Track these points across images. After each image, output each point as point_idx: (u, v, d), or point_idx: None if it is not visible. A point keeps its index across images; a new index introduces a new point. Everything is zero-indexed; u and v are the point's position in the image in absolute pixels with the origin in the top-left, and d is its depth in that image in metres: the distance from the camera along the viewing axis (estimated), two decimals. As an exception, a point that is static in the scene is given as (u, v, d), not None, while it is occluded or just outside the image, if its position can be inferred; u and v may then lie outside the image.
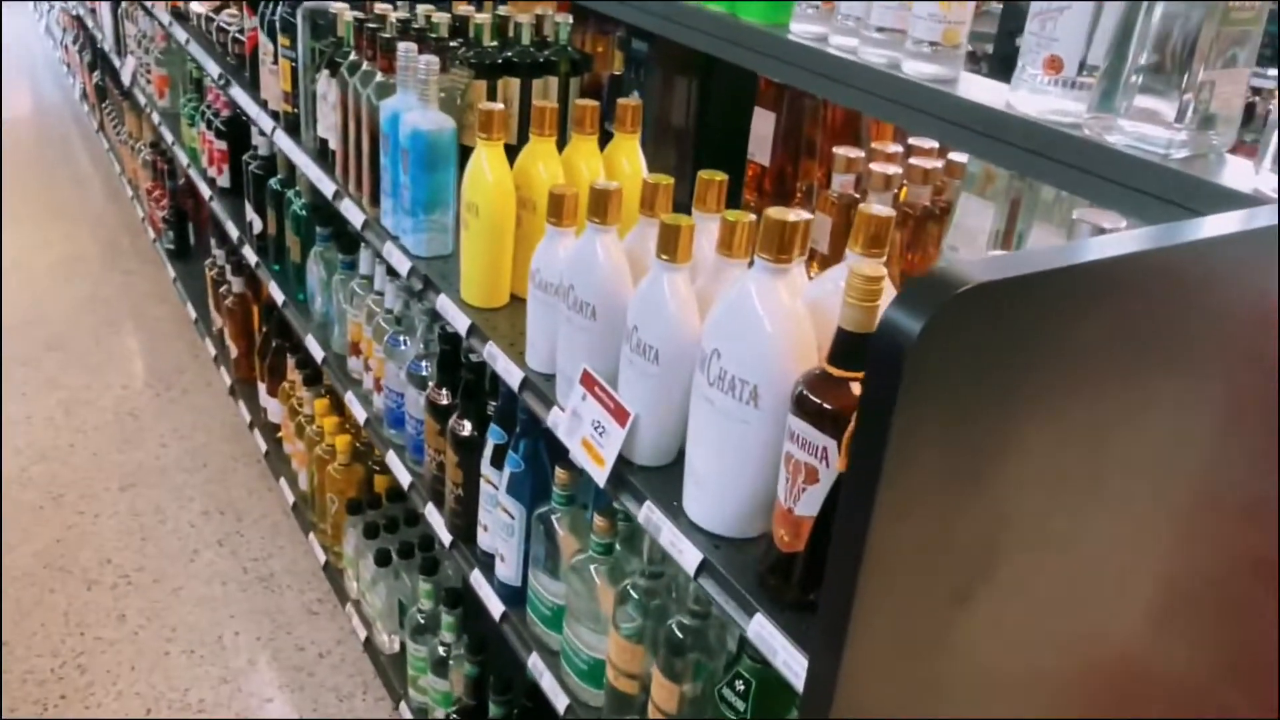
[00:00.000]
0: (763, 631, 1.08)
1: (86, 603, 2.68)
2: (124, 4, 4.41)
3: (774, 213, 1.07)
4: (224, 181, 3.26)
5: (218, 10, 3.11)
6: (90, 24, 5.36)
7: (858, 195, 1.70)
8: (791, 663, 1.04)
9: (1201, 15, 1.04)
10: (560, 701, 1.61)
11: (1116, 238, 0.79)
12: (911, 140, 1.71)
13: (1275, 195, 0.98)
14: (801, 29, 1.46)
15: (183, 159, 3.69)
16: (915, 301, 0.64)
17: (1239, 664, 1.21)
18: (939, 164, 1.60)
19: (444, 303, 1.75)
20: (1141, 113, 1.10)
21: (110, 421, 3.43)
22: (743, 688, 1.26)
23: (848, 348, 0.99)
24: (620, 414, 1.30)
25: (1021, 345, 0.73)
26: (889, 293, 0.97)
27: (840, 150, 1.59)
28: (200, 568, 2.84)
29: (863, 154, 1.62)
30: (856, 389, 0.99)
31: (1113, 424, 0.84)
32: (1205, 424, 0.94)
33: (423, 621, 2.17)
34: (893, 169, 1.50)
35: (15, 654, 2.50)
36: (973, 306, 0.66)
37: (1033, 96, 1.19)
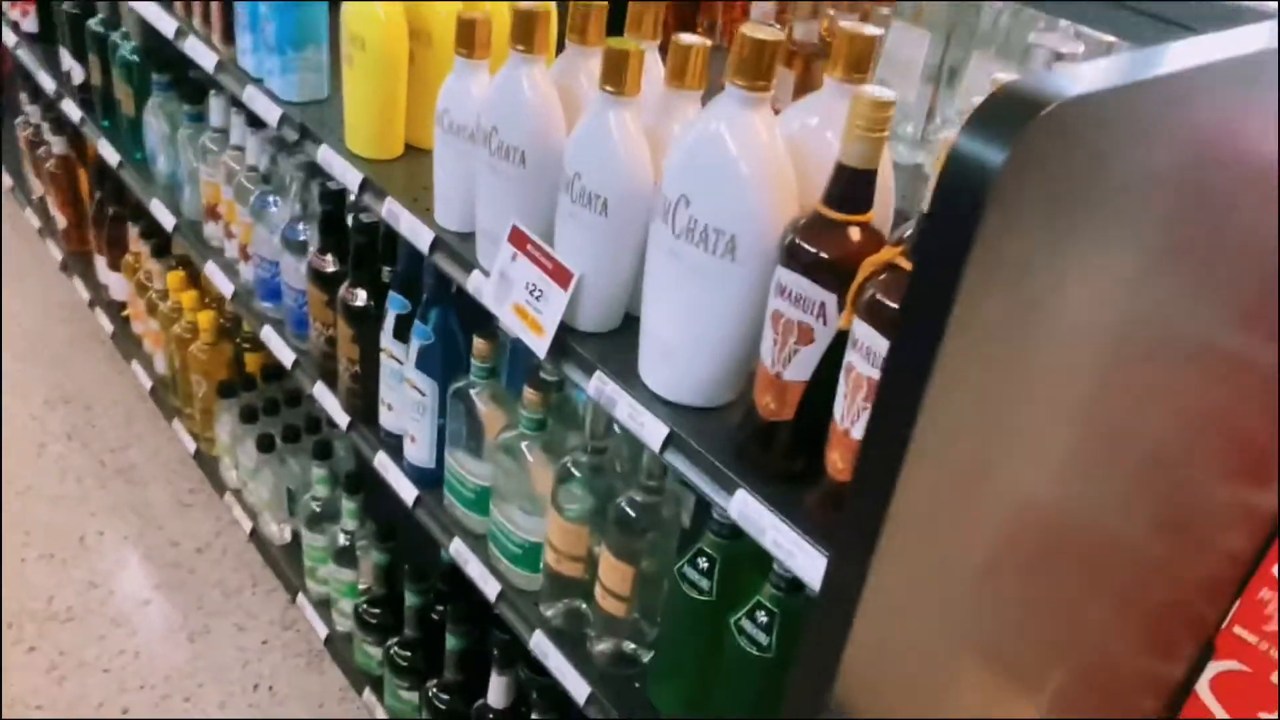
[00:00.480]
0: (746, 509, 0.98)
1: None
2: None
3: (749, 30, 0.93)
4: (30, 25, 2.89)
5: None
6: None
7: (774, 24, 1.59)
8: (782, 540, 0.96)
9: None
10: (490, 588, 1.52)
11: (1196, 44, 0.68)
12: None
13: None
14: None
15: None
16: (989, 130, 0.54)
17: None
18: (867, -9, 1.51)
19: (326, 154, 1.57)
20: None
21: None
22: (706, 565, 1.19)
23: (850, 187, 0.87)
24: (561, 274, 1.16)
25: (1096, 172, 0.63)
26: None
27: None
28: (49, 463, 2.62)
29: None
30: (857, 234, 0.88)
31: (1157, 264, 0.77)
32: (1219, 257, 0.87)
33: (318, 510, 2.04)
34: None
35: None
36: (1059, 128, 0.56)
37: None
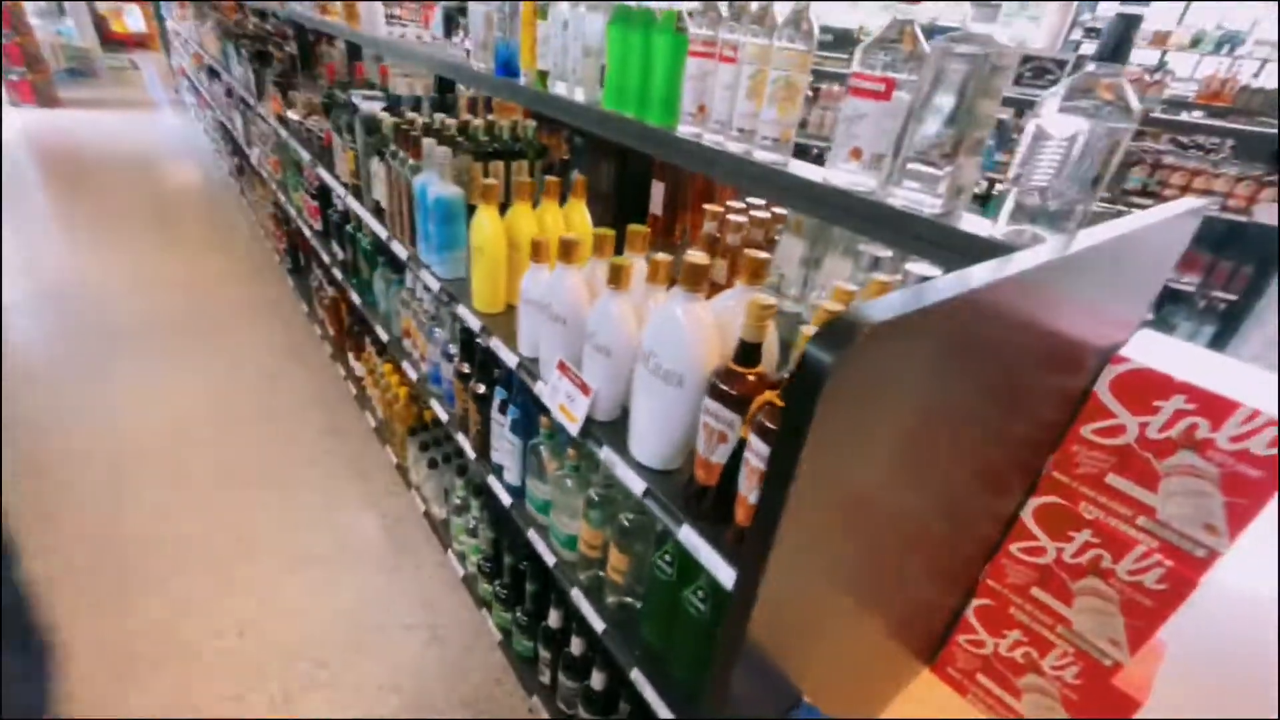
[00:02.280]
0: (691, 538, 0.90)
1: (245, 499, 2.34)
2: (249, 114, 3.85)
3: (691, 257, 0.86)
4: (318, 226, 2.87)
5: (306, 117, 2.67)
6: (230, 128, 4.71)
7: (719, 235, 1.53)
8: (711, 559, 0.87)
9: (962, 118, 0.87)
10: (550, 559, 1.42)
11: (948, 281, 0.60)
12: (748, 199, 1.55)
13: (1007, 243, 0.85)
14: (685, 129, 1.23)
15: (292, 212, 3.24)
16: (828, 342, 0.51)
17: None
18: (768, 215, 1.45)
19: (463, 309, 1.50)
20: (912, 185, 0.94)
21: (257, 379, 3.02)
22: (669, 559, 1.09)
23: (746, 352, 0.80)
24: (585, 389, 1.08)
25: (887, 358, 0.57)
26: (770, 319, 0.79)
27: (708, 207, 1.41)
28: (320, 470, 2.53)
29: (722, 209, 1.44)
30: (752, 380, 0.80)
31: (922, 408, 0.69)
32: (956, 388, 0.79)
33: (459, 503, 1.95)
34: (740, 219, 1.33)
35: (206, 531, 2.17)
36: (873, 340, 0.52)
37: (842, 173, 1.00)
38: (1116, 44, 0.78)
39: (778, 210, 1.55)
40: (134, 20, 10.84)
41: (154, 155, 6.12)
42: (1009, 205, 0.89)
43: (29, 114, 6.97)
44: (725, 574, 0.83)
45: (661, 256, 0.98)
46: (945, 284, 0.60)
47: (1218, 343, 3.88)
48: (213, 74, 4.89)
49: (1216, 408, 0.93)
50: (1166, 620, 1.10)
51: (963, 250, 0.87)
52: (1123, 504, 1.08)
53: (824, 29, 5.48)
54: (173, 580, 1.98)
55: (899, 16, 0.94)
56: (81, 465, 2.39)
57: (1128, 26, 0.77)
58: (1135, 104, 0.79)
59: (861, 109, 0.97)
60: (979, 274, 0.66)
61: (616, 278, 0.97)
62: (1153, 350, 1.07)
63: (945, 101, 0.89)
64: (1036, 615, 1.23)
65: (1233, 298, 3.80)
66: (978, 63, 0.86)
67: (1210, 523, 1.01)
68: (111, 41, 10.61)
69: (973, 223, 0.92)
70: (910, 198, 0.94)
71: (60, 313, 3.38)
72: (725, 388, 0.80)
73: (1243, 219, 3.57)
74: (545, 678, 1.61)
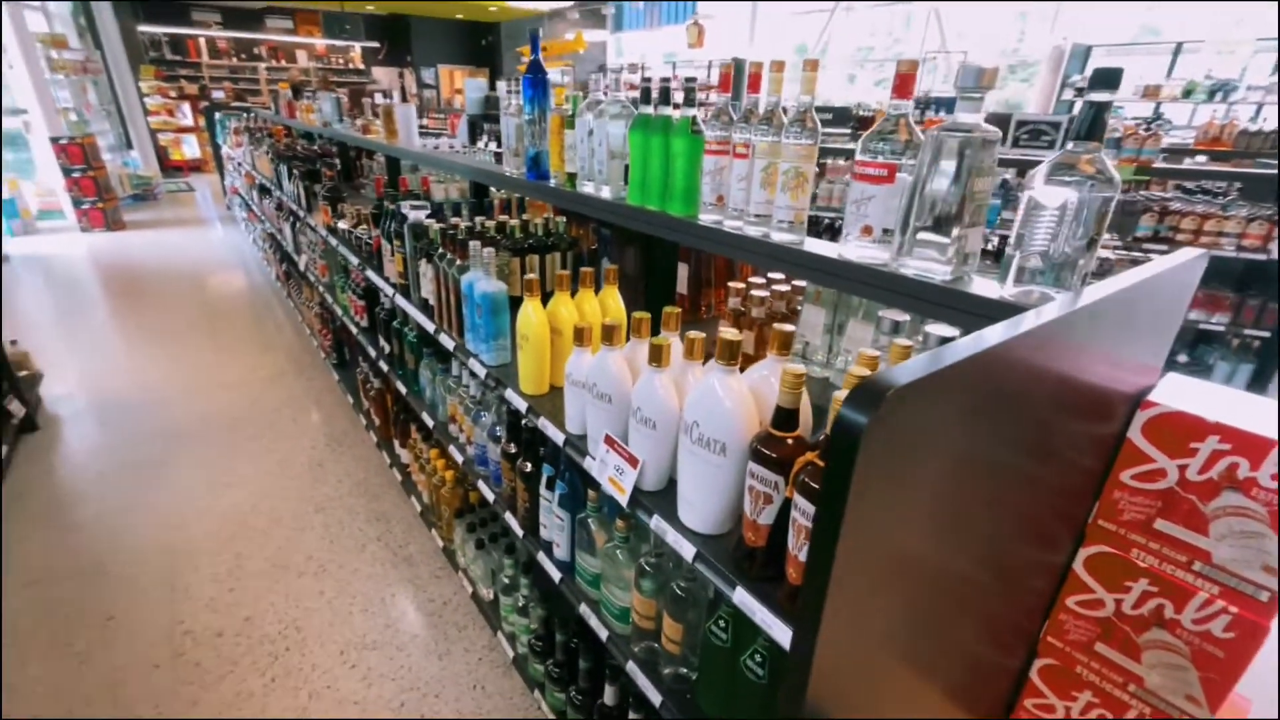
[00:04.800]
0: (745, 599, 0.93)
1: (297, 587, 2.39)
2: (299, 225, 4.19)
3: (725, 334, 0.95)
4: (364, 323, 3.04)
5: (354, 226, 2.91)
6: (279, 238, 5.09)
7: (744, 309, 1.62)
8: (766, 619, 0.90)
9: (960, 195, 0.97)
10: (603, 633, 1.43)
11: (965, 343, 0.67)
12: (770, 275, 1.65)
13: (1016, 302, 0.91)
14: (706, 218, 1.34)
15: (338, 311, 3.45)
16: (861, 404, 0.56)
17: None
18: (787, 287, 1.55)
19: (510, 393, 1.59)
20: (922, 254, 1.02)
21: (306, 469, 3.13)
22: (724, 624, 1.11)
23: (783, 418, 0.86)
24: (632, 461, 1.14)
25: (916, 418, 0.63)
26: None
27: (732, 284, 1.52)
28: (368, 556, 2.57)
29: (744, 285, 1.54)
30: (790, 443, 0.86)
31: (957, 463, 0.73)
32: (986, 444, 0.83)
33: (508, 582, 1.97)
34: (763, 293, 1.43)
35: (260, 622, 2.21)
36: (901, 400, 0.58)
37: (855, 249, 1.10)
38: (1090, 125, 0.88)
39: (797, 283, 1.64)
40: (190, 148, 11.93)
41: (206, 267, 6.59)
42: (1014, 268, 0.97)
43: (97, 237, 7.61)
44: (781, 633, 0.86)
45: (695, 334, 1.06)
46: (962, 346, 0.67)
47: (1259, 380, 3.81)
48: (264, 191, 5.35)
49: (1253, 446, 0.95)
50: (1243, 671, 1.06)
51: (976, 311, 0.95)
52: (1175, 549, 1.06)
53: (822, 108, 5.80)
54: (230, 675, 2.01)
55: (892, 111, 1.06)
56: (142, 562, 2.48)
57: (1099, 111, 0.87)
58: (1115, 175, 0.88)
59: (868, 192, 1.07)
60: (992, 334, 0.73)
61: (658, 356, 1.05)
62: (1181, 393, 1.10)
63: (943, 179, 0.99)
64: (1105, 674, 1.19)
65: (1265, 334, 3.76)
66: (968, 143, 0.96)
67: (1268, 564, 1.00)
68: (170, 168, 11.64)
69: (983, 286, 0.99)
70: (921, 267, 1.02)
71: (122, 418, 3.58)
72: (767, 452, 0.86)
73: (1261, 257, 3.59)
74: (603, 761, 1.58)
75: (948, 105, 6.29)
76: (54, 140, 7.44)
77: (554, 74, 1.81)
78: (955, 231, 1.00)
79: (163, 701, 1.91)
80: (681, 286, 1.99)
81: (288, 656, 2.08)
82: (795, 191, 1.20)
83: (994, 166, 1.00)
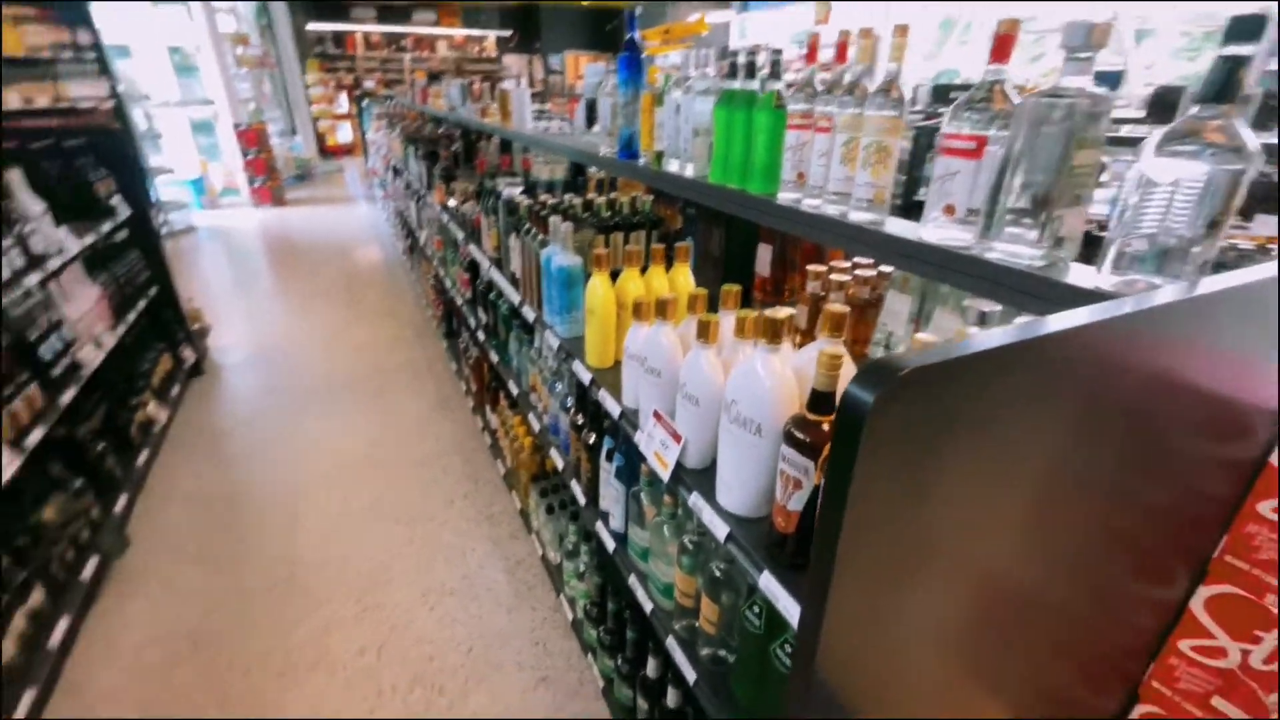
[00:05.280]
0: (769, 584, 0.90)
1: (392, 533, 2.62)
2: (421, 203, 4.52)
3: (768, 312, 0.92)
4: (468, 295, 3.23)
5: (462, 203, 3.10)
6: (406, 216, 5.54)
7: (823, 294, 1.55)
8: (789, 606, 0.87)
9: (1054, 171, 0.86)
10: (648, 605, 1.45)
11: (992, 335, 0.61)
12: (856, 259, 1.56)
13: (1111, 291, 0.80)
14: (785, 196, 1.29)
15: (449, 284, 3.70)
16: (867, 382, 0.53)
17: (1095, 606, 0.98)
18: (873, 273, 1.45)
19: (577, 365, 1.63)
20: (1011, 237, 0.92)
21: (412, 427, 3.41)
22: (758, 611, 1.08)
23: (819, 401, 0.82)
24: (676, 437, 1.14)
25: (945, 404, 0.58)
26: (847, 363, 0.81)
27: (811, 267, 1.45)
28: (455, 511, 2.76)
29: (825, 268, 1.47)
30: (826, 427, 0.82)
31: (1005, 452, 0.67)
32: (1051, 444, 0.74)
33: (570, 548, 2.05)
34: (844, 277, 1.35)
35: (356, 560, 2.45)
36: (906, 383, 0.54)
37: (936, 230, 1.01)
38: (1223, 85, 0.75)
39: (885, 268, 1.54)
40: (344, 134, 13.23)
41: (348, 240, 7.31)
42: (1112, 253, 0.85)
43: (264, 212, 8.68)
44: (794, 615, 0.83)
45: (747, 313, 1.03)
46: (1001, 334, 0.60)
47: None
48: (396, 172, 5.82)
49: None
50: None
51: (1069, 302, 0.84)
52: None
53: (962, 85, 5.33)
54: (328, 600, 2.26)
55: (987, 77, 0.96)
56: (271, 494, 2.83)
57: (1234, 67, 0.74)
58: (1251, 143, 0.75)
59: (954, 166, 0.98)
60: (1060, 320, 0.65)
61: (704, 332, 1.04)
62: None
63: (1040, 154, 0.89)
64: None
65: None
66: (1072, 112, 0.86)
67: None
68: (326, 152, 12.99)
69: (1079, 274, 0.88)
70: (1008, 250, 0.93)
71: (269, 369, 4.09)
72: (798, 434, 0.82)
73: None
74: (642, 731, 1.61)
75: (1111, 80, 5.57)
76: (235, 127, 8.54)
77: (675, 58, 1.81)
78: (1049, 214, 0.90)
79: (276, 615, 2.18)
80: (764, 269, 1.93)
81: (377, 592, 2.29)
82: (877, 167, 1.13)
83: (1102, 138, 0.88)
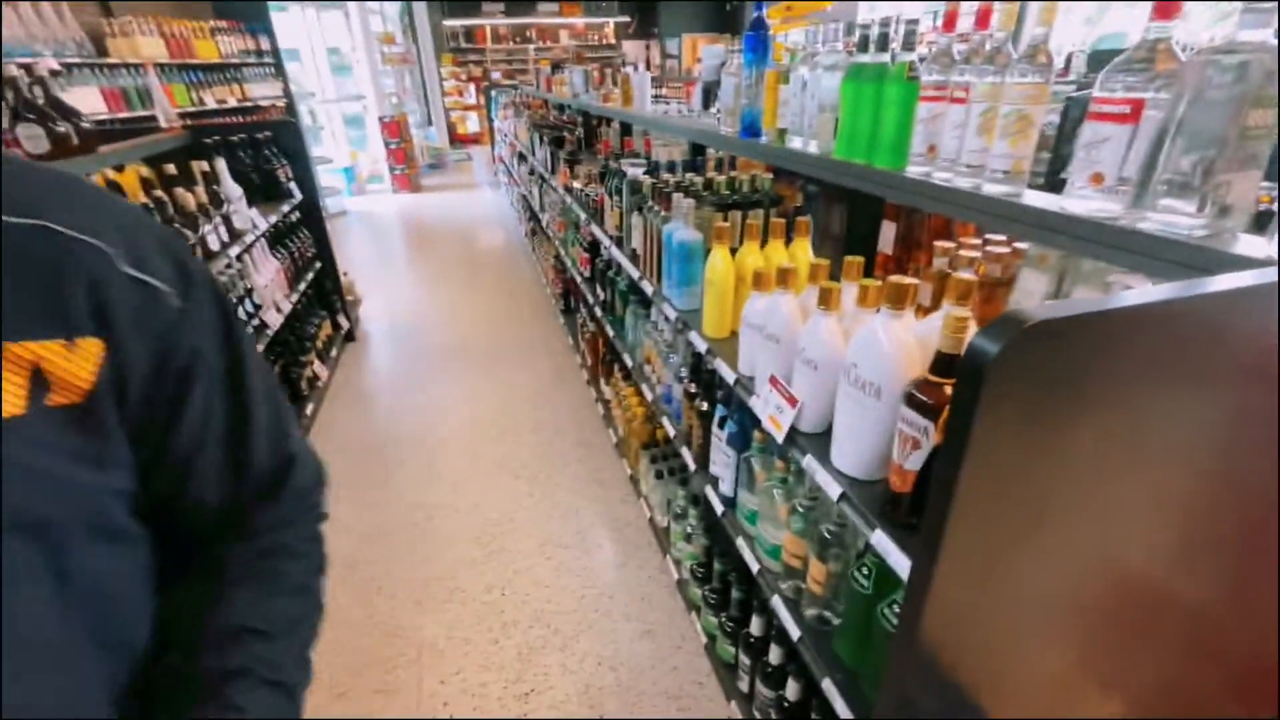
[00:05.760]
0: (882, 542, 0.94)
1: (514, 488, 2.86)
2: (545, 187, 4.77)
3: (894, 279, 0.94)
4: (587, 273, 3.39)
5: (586, 185, 3.26)
6: (529, 199, 5.85)
7: (950, 271, 1.51)
8: (900, 562, 0.90)
9: (1224, 132, 0.81)
10: (754, 566, 1.51)
11: (1131, 294, 0.61)
12: (987, 235, 1.50)
13: (1275, 257, 0.75)
14: (914, 169, 1.28)
15: (568, 263, 3.90)
16: (992, 334, 0.55)
17: (1233, 596, 0.92)
18: (1007, 250, 1.39)
19: (694, 336, 1.71)
20: (1168, 207, 0.88)
21: (531, 395, 3.66)
22: (867, 572, 1.12)
23: (943, 363, 0.85)
24: (792, 401, 1.19)
25: (1071, 364, 0.59)
26: (972, 329, 0.82)
27: (938, 243, 1.41)
28: (569, 474, 2.94)
29: (953, 245, 1.43)
30: (948, 390, 0.84)
31: (1138, 424, 0.66)
32: (1198, 422, 0.71)
33: (679, 511, 2.14)
34: (974, 254, 1.31)
35: (484, 508, 2.70)
36: (1034, 338, 0.55)
37: (1081, 201, 0.98)
38: None
39: (1020, 245, 1.48)
40: (472, 123, 14.09)
41: (475, 224, 7.84)
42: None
43: (403, 198, 9.49)
44: (904, 568, 0.85)
45: (870, 282, 1.06)
46: (1140, 293, 0.60)
47: None
48: (521, 158, 6.16)
49: None
50: None
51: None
52: None
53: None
54: (458, 541, 2.52)
55: (1149, 36, 0.92)
56: (411, 447, 3.18)
57: None
58: None
59: (1104, 133, 0.95)
60: (1204, 284, 0.64)
61: (826, 299, 1.08)
62: None
63: (1206, 116, 0.84)
64: None
65: None
66: (1243, 71, 0.81)
67: None
68: (456, 141, 13.91)
69: (1249, 244, 0.83)
70: (1165, 220, 0.89)
71: (410, 337, 4.54)
72: (919, 395, 0.85)
73: None
74: (744, 685, 1.67)
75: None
76: (380, 119, 9.38)
77: (796, 36, 1.82)
78: (1215, 180, 0.85)
79: (414, 550, 2.47)
80: (887, 246, 1.90)
81: (501, 538, 2.53)
82: (1016, 138, 1.10)
83: (1276, 98, 0.82)
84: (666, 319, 2.04)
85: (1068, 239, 0.99)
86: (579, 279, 3.49)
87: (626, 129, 3.95)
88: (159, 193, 2.38)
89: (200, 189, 2.62)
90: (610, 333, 2.82)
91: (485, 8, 13.93)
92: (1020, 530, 0.68)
